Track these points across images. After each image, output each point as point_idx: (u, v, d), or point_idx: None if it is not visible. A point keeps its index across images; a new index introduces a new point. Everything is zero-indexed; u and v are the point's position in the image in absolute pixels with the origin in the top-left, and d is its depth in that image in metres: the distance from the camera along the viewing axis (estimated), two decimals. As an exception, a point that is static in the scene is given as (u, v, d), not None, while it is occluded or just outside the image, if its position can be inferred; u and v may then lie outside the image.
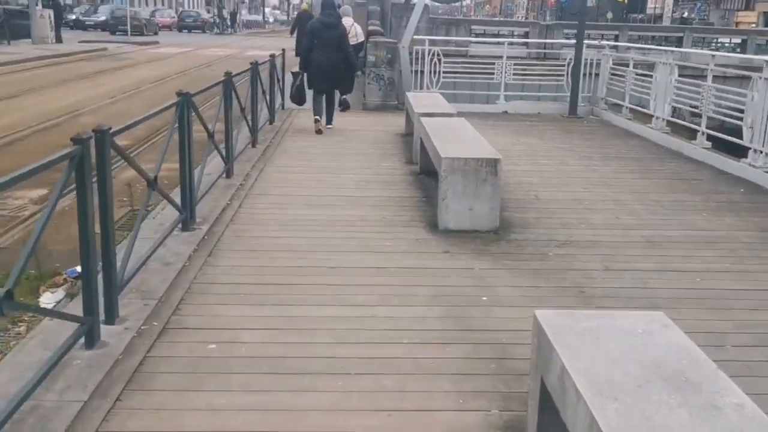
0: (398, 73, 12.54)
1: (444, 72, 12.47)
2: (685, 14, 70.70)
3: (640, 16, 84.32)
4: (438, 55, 12.35)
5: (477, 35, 27.29)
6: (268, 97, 10.18)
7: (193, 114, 5.35)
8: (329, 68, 9.47)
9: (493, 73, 12.61)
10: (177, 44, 32.48)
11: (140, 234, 5.10)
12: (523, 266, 4.69)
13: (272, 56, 10.53)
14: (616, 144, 9.53)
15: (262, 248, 4.95)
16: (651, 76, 10.41)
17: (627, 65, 11.46)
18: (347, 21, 11.78)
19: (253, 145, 8.57)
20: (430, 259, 4.82)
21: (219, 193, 6.35)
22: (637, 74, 11.03)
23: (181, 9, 63.98)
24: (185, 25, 49.51)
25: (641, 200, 6.53)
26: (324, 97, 9.86)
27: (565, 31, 27.06)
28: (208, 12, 64.37)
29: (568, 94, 12.28)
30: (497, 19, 52.38)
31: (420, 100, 8.99)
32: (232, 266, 4.56)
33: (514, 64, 12.53)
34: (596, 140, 9.82)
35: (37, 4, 25.04)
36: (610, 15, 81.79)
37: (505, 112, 12.38)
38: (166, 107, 4.89)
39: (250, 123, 8.47)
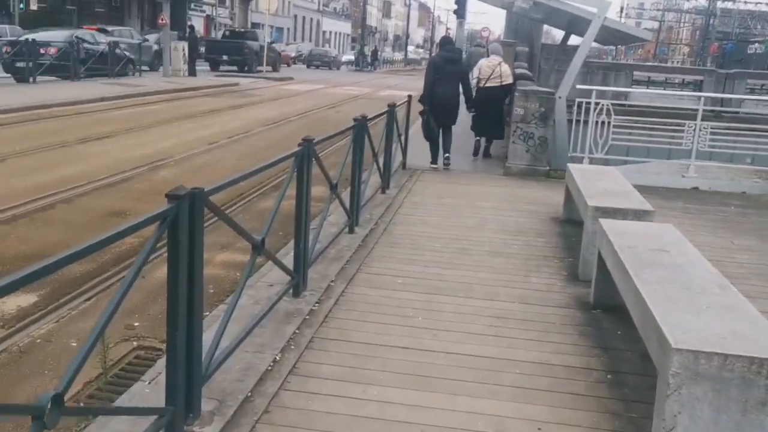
0: (552, 131, 9.84)
1: (614, 131, 9.64)
2: None
3: (822, 63, 75.91)
4: (608, 110, 9.53)
5: (638, 83, 23.94)
6: (381, 159, 7.85)
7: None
8: (449, 102, 9.58)
9: (680, 135, 9.61)
10: (311, 80, 31.42)
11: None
12: None
13: (392, 106, 8.18)
14: None
15: None
16: None
17: None
18: (495, 59, 10.55)
19: (351, 231, 6.20)
20: None
21: (272, 329, 3.96)
22: None
23: (358, 46, 71.43)
24: (358, 60, 55.71)
25: None
26: (441, 132, 9.84)
27: (749, 80, 23.12)
28: (353, 49, 65.59)
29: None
30: (663, 65, 48.01)
31: (590, 179, 6.26)
32: None
33: (711, 126, 9.43)
34: None
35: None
36: (785, 62, 73.98)
37: (696, 188, 9.32)
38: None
39: (347, 204, 6.13)
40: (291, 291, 4.53)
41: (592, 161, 9.62)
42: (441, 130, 9.77)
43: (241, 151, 10.93)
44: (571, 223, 6.87)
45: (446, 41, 10.62)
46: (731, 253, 6.23)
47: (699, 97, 9.49)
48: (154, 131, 12.72)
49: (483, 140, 11.11)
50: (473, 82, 10.31)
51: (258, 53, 31.95)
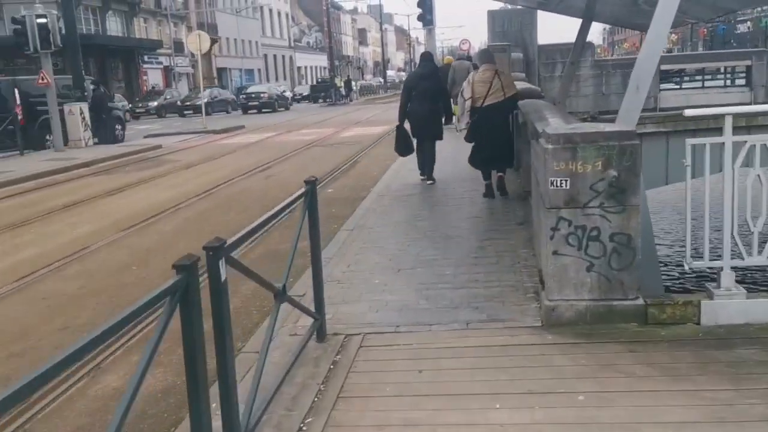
0: (636, 217, 4.37)
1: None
2: None
3: (814, 38, 71.29)
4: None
5: (667, 79, 18.60)
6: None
7: None
8: (425, 118, 9.52)
9: None
10: (265, 127, 26.18)
11: None
12: None
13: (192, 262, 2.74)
14: None
15: None
16: None
17: None
18: (487, 69, 8.36)
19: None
20: None
21: None
22: None
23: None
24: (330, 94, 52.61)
25: None
26: (425, 149, 9.76)
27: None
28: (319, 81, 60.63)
29: None
30: (694, 53, 42.46)
31: None
32: None
33: None
34: None
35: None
36: (775, 40, 69.17)
37: None
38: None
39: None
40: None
41: (744, 277, 4.17)
42: (424, 145, 9.70)
43: (6, 326, 5.52)
44: None
45: (423, 57, 10.64)
46: None
47: None
48: None
49: (494, 173, 8.66)
50: (467, 104, 8.37)
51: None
